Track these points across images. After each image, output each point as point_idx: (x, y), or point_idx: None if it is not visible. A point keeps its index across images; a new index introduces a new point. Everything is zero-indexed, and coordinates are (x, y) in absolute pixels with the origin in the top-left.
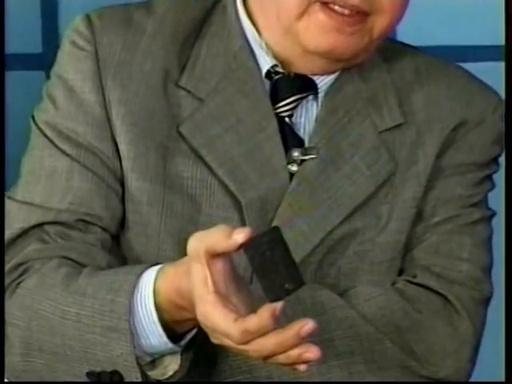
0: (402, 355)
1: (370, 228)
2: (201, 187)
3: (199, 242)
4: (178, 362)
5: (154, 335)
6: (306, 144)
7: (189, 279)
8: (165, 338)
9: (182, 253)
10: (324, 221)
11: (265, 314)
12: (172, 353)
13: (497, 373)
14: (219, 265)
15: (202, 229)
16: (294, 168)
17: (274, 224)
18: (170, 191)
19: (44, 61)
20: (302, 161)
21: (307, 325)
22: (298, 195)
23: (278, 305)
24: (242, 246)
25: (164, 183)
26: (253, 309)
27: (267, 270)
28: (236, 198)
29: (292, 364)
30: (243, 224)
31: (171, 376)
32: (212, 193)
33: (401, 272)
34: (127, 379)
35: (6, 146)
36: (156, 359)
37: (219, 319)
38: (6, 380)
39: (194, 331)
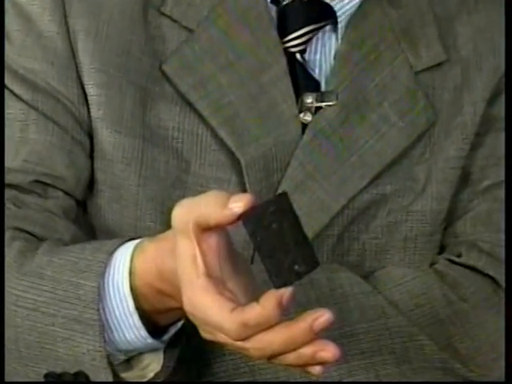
0: (442, 354)
1: (403, 194)
2: (189, 141)
3: (187, 212)
4: (161, 361)
5: (129, 328)
6: (323, 87)
7: (174, 258)
8: (143, 332)
9: (166, 224)
10: (345, 184)
11: (269, 302)
12: (153, 350)
13: None
14: (212, 241)
15: (191, 193)
16: (307, 117)
17: (281, 188)
18: (151, 146)
19: None
20: (318, 108)
21: (323, 316)
22: (313, 152)
23: (286, 291)
24: (241, 217)
25: (143, 136)
26: (254, 296)
27: (273, 247)
28: (234, 155)
29: (304, 365)
30: (243, 188)
31: (151, 378)
32: (203, 148)
33: (442, 250)
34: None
35: None
36: (132, 358)
37: (212, 309)
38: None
39: (179, 323)
